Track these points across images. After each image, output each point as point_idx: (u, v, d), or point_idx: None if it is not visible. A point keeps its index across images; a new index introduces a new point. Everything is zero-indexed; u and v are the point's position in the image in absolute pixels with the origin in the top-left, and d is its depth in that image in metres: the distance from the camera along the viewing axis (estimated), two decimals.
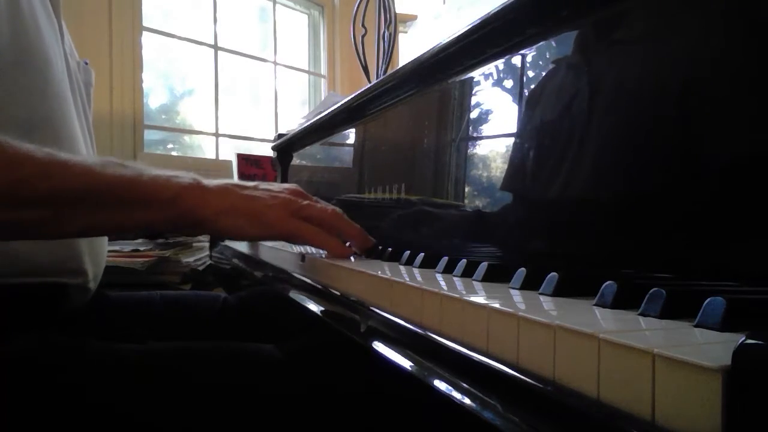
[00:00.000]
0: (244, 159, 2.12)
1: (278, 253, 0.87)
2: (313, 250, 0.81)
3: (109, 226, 0.58)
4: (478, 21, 0.56)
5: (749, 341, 0.20)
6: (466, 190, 0.62)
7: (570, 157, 0.47)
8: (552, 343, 0.27)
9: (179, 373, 0.56)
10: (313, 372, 0.59)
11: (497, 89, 0.59)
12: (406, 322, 0.41)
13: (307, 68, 2.76)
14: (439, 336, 0.37)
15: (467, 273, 0.47)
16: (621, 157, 0.43)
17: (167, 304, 0.90)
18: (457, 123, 0.65)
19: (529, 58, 0.54)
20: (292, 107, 2.71)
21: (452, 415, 0.42)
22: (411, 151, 0.76)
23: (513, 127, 0.55)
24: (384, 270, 0.52)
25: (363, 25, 1.23)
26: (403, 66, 0.74)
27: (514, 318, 0.30)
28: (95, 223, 0.55)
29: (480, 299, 0.35)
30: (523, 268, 0.41)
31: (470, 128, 0.63)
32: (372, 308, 0.47)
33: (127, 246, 1.38)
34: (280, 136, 1.42)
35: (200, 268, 1.43)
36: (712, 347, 0.24)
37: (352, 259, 0.66)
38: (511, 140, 0.55)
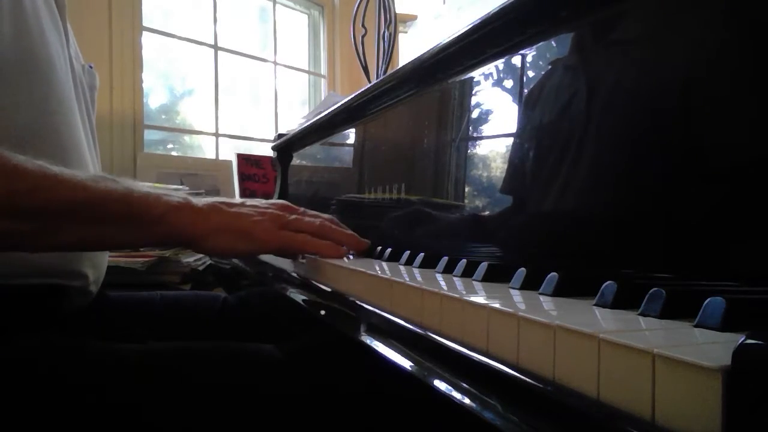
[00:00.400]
0: (244, 159, 2.11)
1: None
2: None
3: (99, 242, 0.58)
4: (478, 21, 0.56)
5: (749, 341, 0.20)
6: (466, 190, 0.62)
7: (570, 157, 0.47)
8: (552, 343, 0.27)
9: (179, 373, 0.56)
10: (313, 372, 0.59)
11: (497, 89, 0.59)
12: (406, 322, 0.41)
13: (307, 68, 2.76)
14: (439, 336, 0.37)
15: (467, 273, 0.47)
16: (621, 157, 0.43)
17: (167, 304, 0.90)
18: (457, 123, 0.65)
19: (529, 58, 0.54)
20: (292, 107, 2.71)
21: (452, 415, 0.42)
22: (411, 151, 0.76)
23: (513, 127, 0.55)
24: (384, 270, 0.52)
25: (363, 25, 1.23)
26: (403, 66, 0.74)
27: (514, 318, 0.30)
28: (85, 238, 0.55)
29: (480, 299, 0.35)
30: (523, 268, 0.41)
31: (470, 128, 0.63)
32: (372, 308, 0.47)
33: None
34: (280, 136, 1.42)
35: (200, 268, 1.43)
36: (712, 347, 0.24)
37: (351, 257, 0.66)
38: (511, 140, 0.55)
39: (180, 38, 2.26)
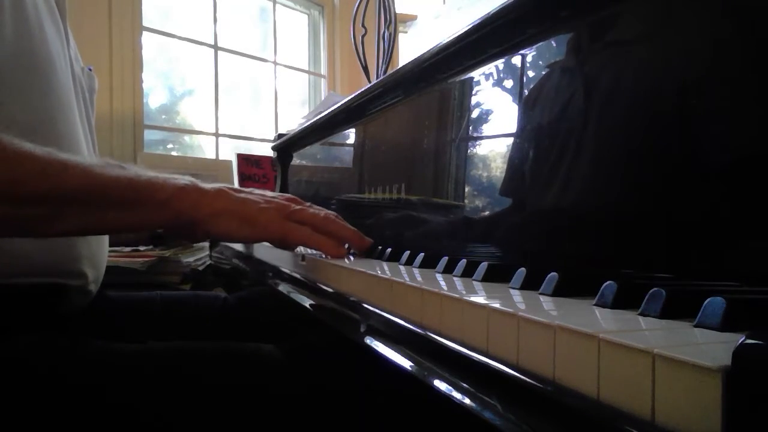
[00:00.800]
0: (244, 159, 2.12)
1: (278, 253, 0.87)
2: (312, 250, 0.81)
3: (106, 226, 0.59)
4: (478, 21, 0.56)
5: (749, 341, 0.20)
6: (466, 190, 0.62)
7: (570, 157, 0.47)
8: (552, 343, 0.27)
9: (179, 373, 0.56)
10: (313, 372, 0.59)
11: (497, 89, 0.59)
12: (406, 322, 0.41)
13: (307, 68, 2.76)
14: (439, 336, 0.37)
15: (467, 273, 0.47)
16: (621, 156, 0.43)
17: (167, 304, 0.90)
18: (456, 123, 0.65)
19: (529, 58, 0.54)
20: (292, 107, 2.71)
21: (452, 415, 0.42)
22: (411, 151, 0.76)
23: (513, 127, 0.55)
24: (384, 270, 0.52)
25: (363, 25, 1.23)
26: (403, 66, 0.74)
27: (514, 318, 0.30)
28: (93, 223, 0.56)
29: (480, 299, 0.34)
30: (523, 268, 0.41)
31: (470, 128, 0.63)
32: (372, 308, 0.47)
33: (127, 246, 1.38)
34: (280, 136, 1.42)
35: (200, 268, 1.43)
36: (712, 347, 0.24)
37: (351, 258, 0.66)
38: (511, 140, 0.55)
39: (180, 38, 2.26)
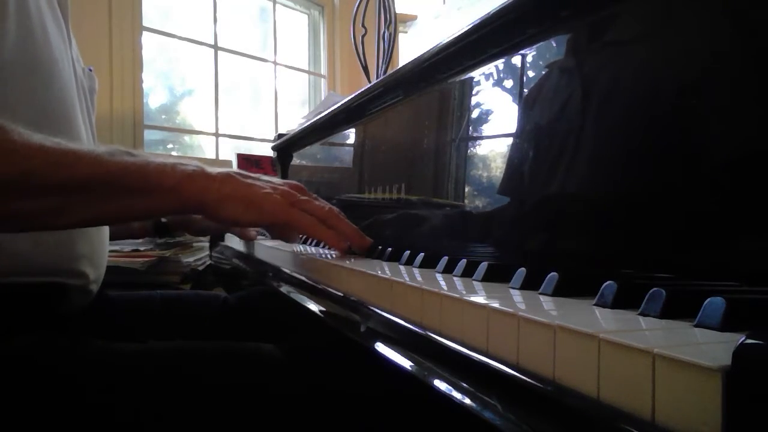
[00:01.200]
0: (244, 159, 2.12)
1: (278, 252, 0.87)
2: (312, 250, 0.81)
3: (117, 214, 0.59)
4: (478, 21, 0.56)
5: (749, 341, 0.20)
6: (466, 190, 0.62)
7: (570, 157, 0.47)
8: (552, 343, 0.27)
9: (179, 373, 0.56)
10: (313, 372, 0.59)
11: (497, 89, 0.59)
12: (406, 322, 0.41)
13: (307, 68, 2.76)
14: (439, 336, 0.37)
15: (467, 273, 0.47)
16: (621, 156, 0.43)
17: (167, 303, 0.90)
18: (456, 123, 0.65)
19: (528, 58, 0.54)
20: (292, 107, 2.71)
21: (452, 415, 0.42)
22: (411, 151, 0.76)
23: (513, 127, 0.55)
24: (384, 270, 0.52)
25: (363, 25, 1.23)
26: (403, 66, 0.74)
27: (514, 318, 0.30)
28: (105, 211, 0.56)
29: (480, 299, 0.34)
30: (523, 268, 0.41)
31: (470, 128, 0.63)
32: (372, 308, 0.47)
33: (127, 246, 1.38)
34: (280, 136, 1.42)
35: (200, 268, 1.43)
36: (712, 347, 0.24)
37: (351, 259, 0.66)
38: (511, 140, 0.55)
39: (180, 38, 2.26)
